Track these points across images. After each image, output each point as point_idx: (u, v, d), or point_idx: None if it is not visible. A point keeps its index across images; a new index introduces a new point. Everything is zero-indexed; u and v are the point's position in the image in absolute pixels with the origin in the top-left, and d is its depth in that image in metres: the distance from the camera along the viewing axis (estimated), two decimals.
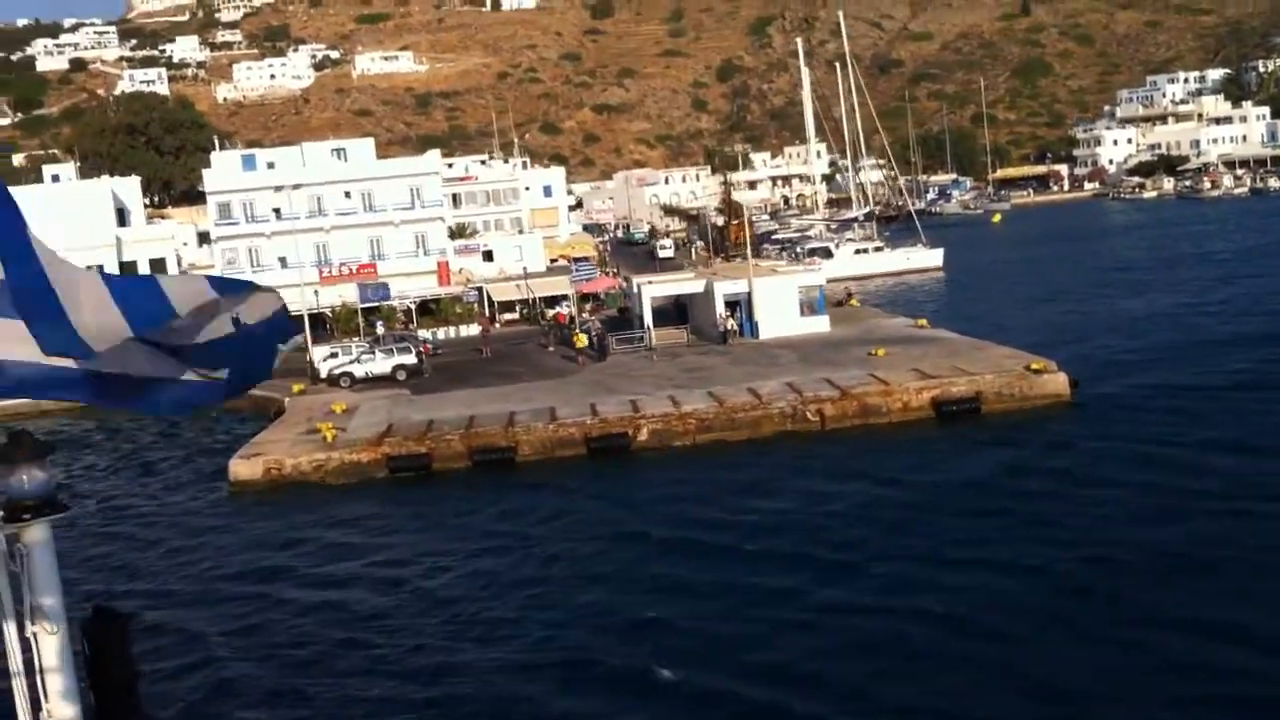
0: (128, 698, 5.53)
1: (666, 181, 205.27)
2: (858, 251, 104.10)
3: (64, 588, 5.17)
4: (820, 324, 63.40)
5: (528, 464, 46.14)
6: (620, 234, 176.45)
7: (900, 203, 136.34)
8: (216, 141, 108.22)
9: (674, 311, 68.74)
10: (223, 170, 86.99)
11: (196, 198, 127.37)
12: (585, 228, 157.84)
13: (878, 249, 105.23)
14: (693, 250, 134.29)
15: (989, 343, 55.64)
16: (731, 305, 63.92)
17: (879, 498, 37.95)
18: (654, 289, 66.79)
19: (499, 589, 32.40)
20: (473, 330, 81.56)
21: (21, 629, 4.93)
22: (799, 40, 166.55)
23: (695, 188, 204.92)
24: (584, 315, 73.51)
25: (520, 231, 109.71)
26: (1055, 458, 40.77)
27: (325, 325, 79.33)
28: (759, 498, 39.06)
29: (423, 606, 31.71)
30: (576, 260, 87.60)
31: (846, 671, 25.23)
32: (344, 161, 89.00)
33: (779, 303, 63.12)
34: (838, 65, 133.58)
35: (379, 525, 40.77)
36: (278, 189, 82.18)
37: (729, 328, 62.83)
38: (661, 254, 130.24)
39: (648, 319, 65.75)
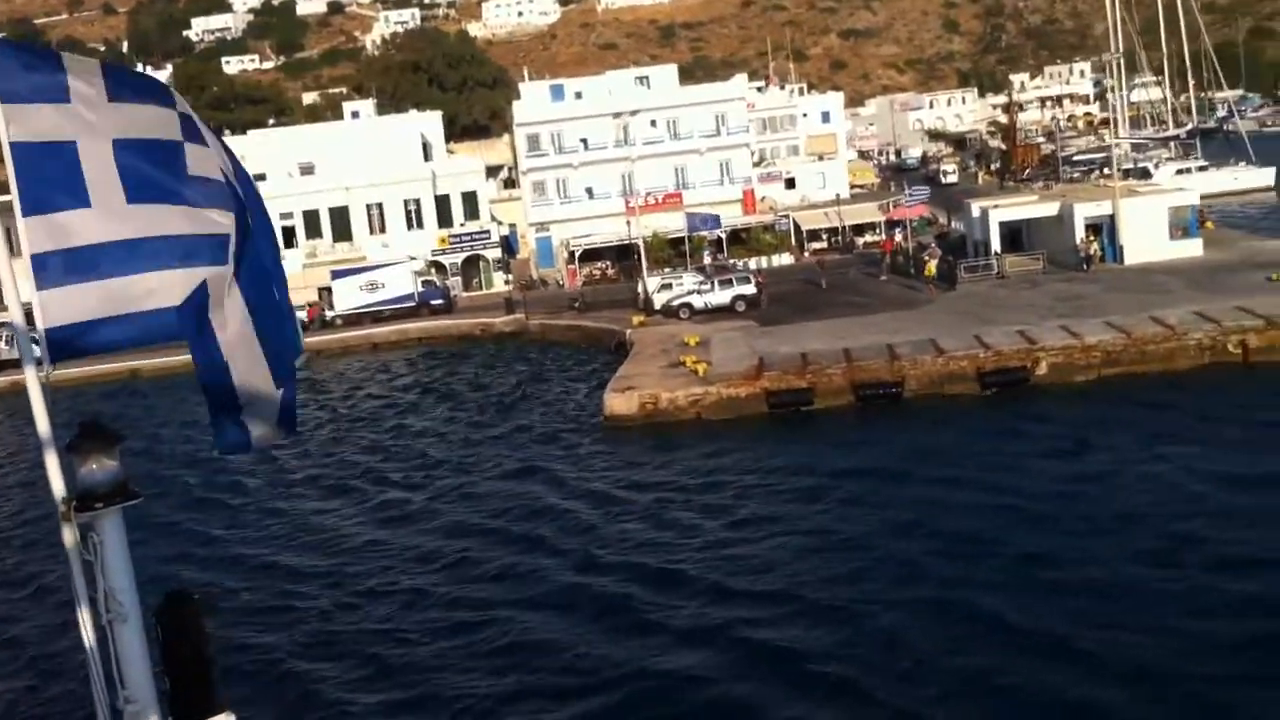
0: (202, 681, 5.34)
1: (931, 106, 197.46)
2: (1179, 172, 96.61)
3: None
4: (1193, 247, 58.24)
5: (915, 400, 43.34)
6: (886, 160, 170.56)
7: (1193, 121, 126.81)
8: (526, 74, 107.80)
9: (1007, 237, 64.50)
10: (532, 102, 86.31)
11: (479, 132, 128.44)
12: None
13: (1201, 169, 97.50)
14: (979, 175, 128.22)
15: None
16: (1092, 229, 59.36)
17: None
18: (1001, 213, 62.61)
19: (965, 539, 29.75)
20: (785, 259, 79.05)
21: (97, 617, 4.98)
22: None
23: (961, 111, 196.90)
24: (918, 242, 69.78)
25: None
26: None
27: (634, 256, 78.01)
28: (1205, 444, 35.19)
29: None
30: (920, 183, 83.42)
31: None
32: (648, 89, 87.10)
33: (1147, 225, 58.24)
34: None
35: (783, 463, 38.57)
36: (599, 117, 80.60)
37: (1091, 253, 58.34)
38: (945, 179, 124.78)
39: (995, 245, 61.73)
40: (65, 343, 5.09)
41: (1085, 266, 57.90)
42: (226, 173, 5.50)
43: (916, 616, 25.33)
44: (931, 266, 58.34)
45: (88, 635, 4.98)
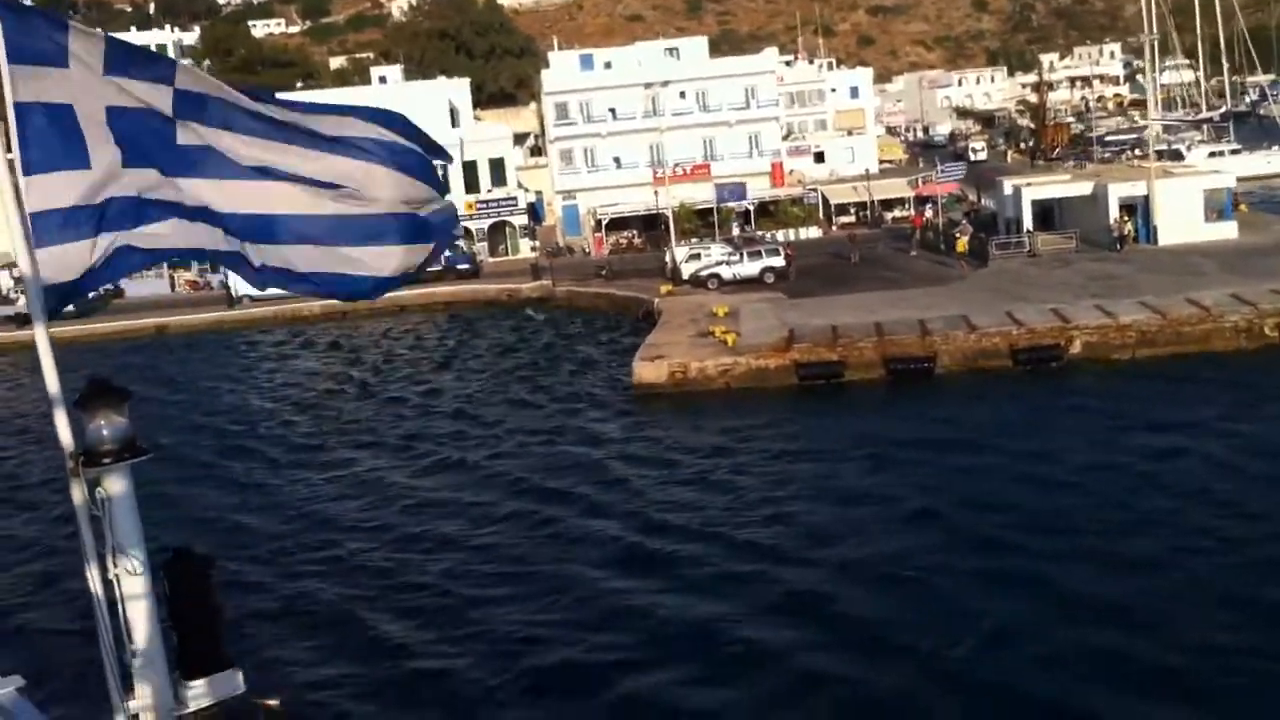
0: (208, 637, 5.44)
1: (960, 84, 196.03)
2: (1211, 155, 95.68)
3: None
4: (1228, 230, 57.69)
5: (947, 375, 43.09)
6: (913, 137, 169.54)
7: (1226, 105, 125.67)
8: (556, 43, 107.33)
9: (1039, 215, 63.97)
10: (561, 70, 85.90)
11: (505, 100, 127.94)
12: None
13: (1234, 152, 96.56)
14: (1008, 154, 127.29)
15: None
16: (1127, 209, 58.84)
17: None
18: (1034, 191, 62.08)
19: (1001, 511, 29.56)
20: (813, 233, 78.66)
21: (104, 571, 5.01)
22: None
23: (989, 89, 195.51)
24: (949, 218, 69.32)
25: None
26: None
27: (662, 226, 77.73)
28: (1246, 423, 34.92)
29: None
30: (950, 160, 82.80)
31: None
32: (678, 60, 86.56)
33: (1182, 206, 57.69)
34: None
35: (817, 433, 38.42)
36: (628, 87, 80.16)
37: (1125, 233, 57.85)
38: (974, 157, 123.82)
39: (1027, 223, 61.24)
40: (65, 296, 5.24)
41: (1119, 246, 57.42)
42: (238, 140, 5.55)
43: (969, 584, 25.27)
44: (963, 243, 57.91)
45: (95, 590, 5.00)
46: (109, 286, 66.56)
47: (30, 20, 5.02)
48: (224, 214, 5.55)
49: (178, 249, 5.66)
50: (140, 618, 5.13)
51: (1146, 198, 58.41)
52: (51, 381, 5.07)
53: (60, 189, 5.13)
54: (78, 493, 5.02)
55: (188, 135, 5.42)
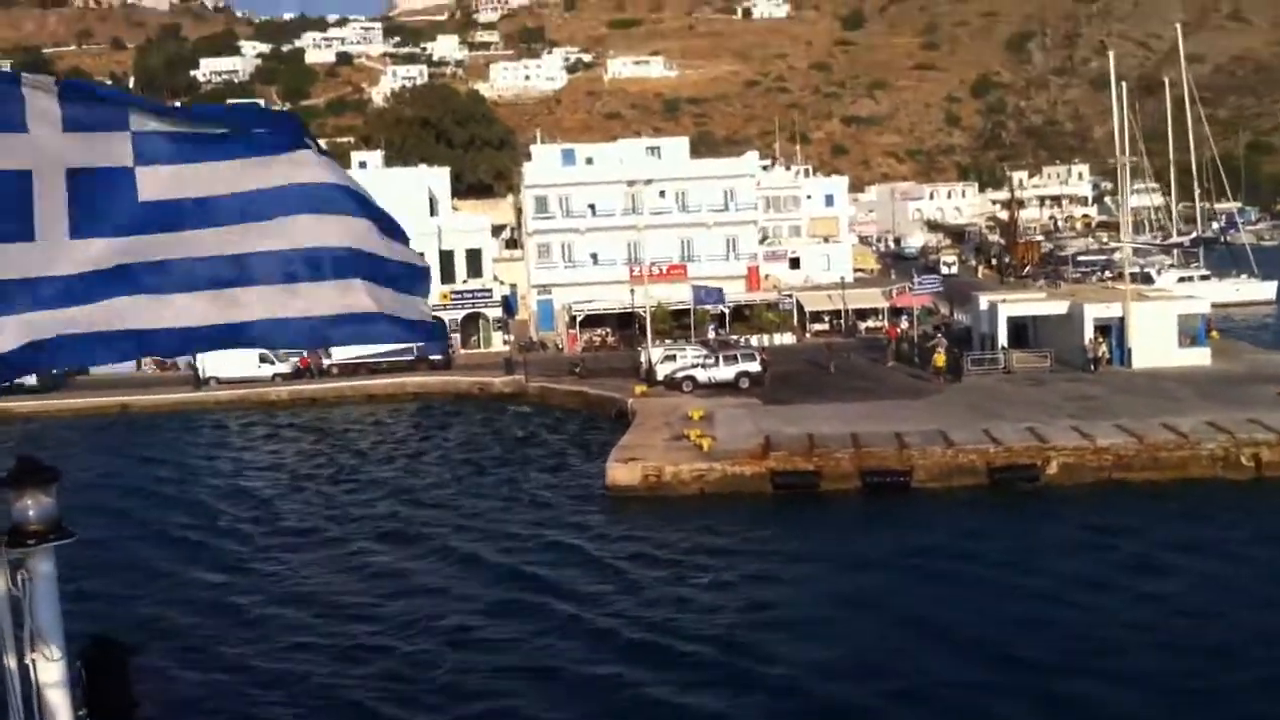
0: None
1: (931, 197, 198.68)
2: (1181, 280, 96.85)
3: None
4: (1201, 356, 58.04)
5: (923, 490, 42.68)
6: (884, 247, 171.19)
7: (1197, 230, 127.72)
8: (539, 136, 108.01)
9: (1012, 333, 64.21)
10: (542, 164, 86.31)
11: (483, 191, 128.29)
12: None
13: (1204, 278, 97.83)
14: (978, 269, 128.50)
15: None
16: (1101, 330, 59.14)
17: None
18: (1010, 308, 62.42)
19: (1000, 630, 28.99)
20: (787, 339, 78.67)
21: (20, 656, 4.88)
22: (1111, 55, 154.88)
23: (960, 204, 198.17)
24: (923, 330, 69.49)
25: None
26: None
27: (636, 324, 77.59)
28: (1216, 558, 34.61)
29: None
30: (921, 272, 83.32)
31: None
32: (659, 159, 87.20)
33: (1157, 330, 58.06)
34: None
35: (791, 546, 37.84)
36: (607, 184, 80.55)
37: (1100, 354, 58.06)
38: (945, 271, 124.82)
39: (1002, 339, 61.43)
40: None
41: (1093, 367, 57.60)
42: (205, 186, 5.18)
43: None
44: (941, 357, 57.88)
45: (10, 674, 4.87)
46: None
47: None
48: (197, 260, 5.12)
49: (136, 330, 5.12)
50: (56, 705, 4.95)
51: (1121, 319, 58.75)
52: None
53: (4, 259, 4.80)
54: None
55: (150, 187, 5.07)
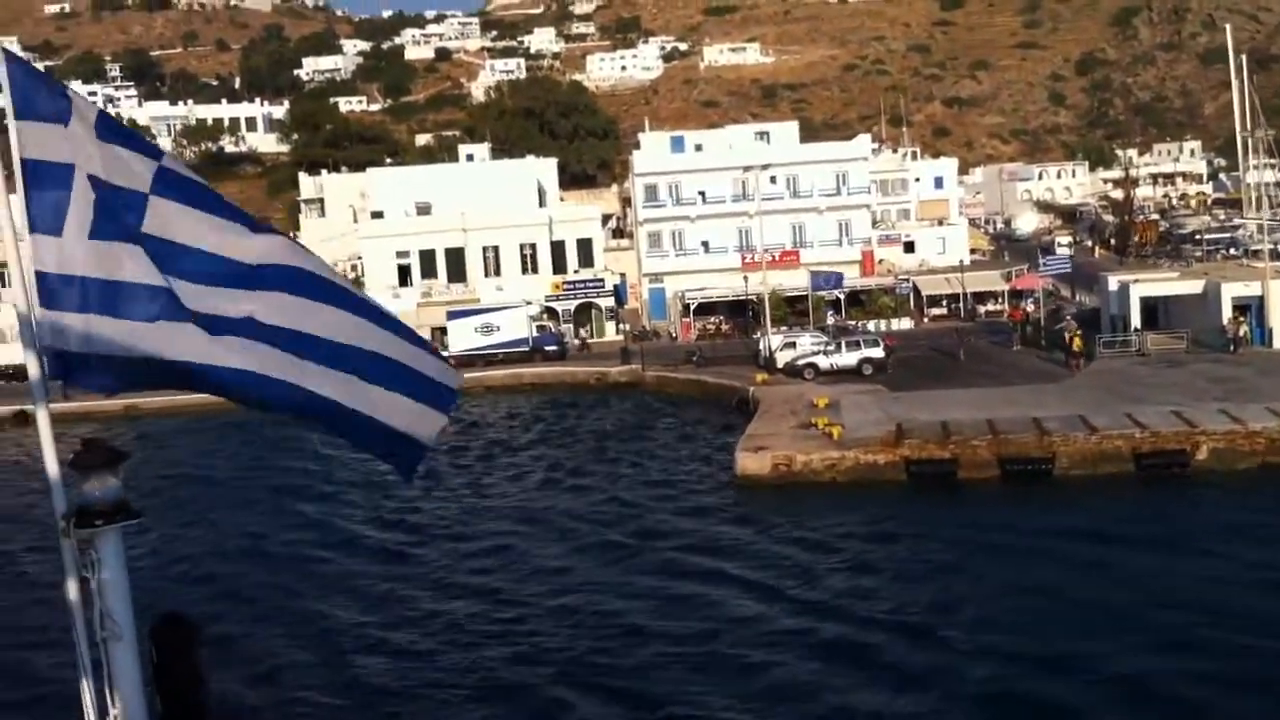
0: (194, 703, 5.24)
1: (1040, 177, 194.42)
2: None
3: None
4: None
5: (1065, 478, 41.26)
6: (993, 229, 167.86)
7: None
8: (647, 123, 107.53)
9: (1143, 314, 62.12)
10: (651, 152, 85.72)
11: (587, 181, 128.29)
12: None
13: None
14: (1095, 250, 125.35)
15: None
16: (1239, 309, 56.94)
17: None
18: (1142, 288, 60.40)
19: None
20: (905, 324, 77.24)
21: (91, 635, 4.95)
22: (1228, 28, 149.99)
23: (1070, 183, 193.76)
24: (1051, 313, 67.60)
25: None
26: None
27: (750, 312, 76.75)
28: None
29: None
30: (1038, 254, 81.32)
31: None
32: (768, 144, 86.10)
33: None
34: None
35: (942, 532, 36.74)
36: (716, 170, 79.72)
37: (1240, 334, 55.90)
38: (1060, 252, 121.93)
39: (1135, 321, 59.47)
40: (68, 367, 5.11)
41: (1232, 348, 55.48)
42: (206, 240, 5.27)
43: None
44: (1079, 340, 55.82)
45: (81, 653, 4.96)
46: None
47: (40, 78, 4.99)
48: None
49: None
50: (125, 682, 5.02)
51: (1261, 298, 56.52)
52: (46, 441, 5.02)
53: (58, 251, 5.03)
54: (67, 554, 4.96)
55: (154, 221, 5.18)
